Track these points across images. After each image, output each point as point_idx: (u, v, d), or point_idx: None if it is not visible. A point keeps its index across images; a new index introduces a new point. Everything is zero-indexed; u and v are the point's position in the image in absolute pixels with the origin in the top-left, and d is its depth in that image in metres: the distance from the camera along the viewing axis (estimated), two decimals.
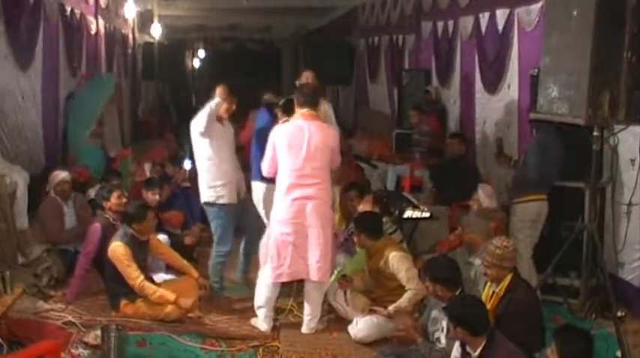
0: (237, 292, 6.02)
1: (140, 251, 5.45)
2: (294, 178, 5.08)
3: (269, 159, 5.22)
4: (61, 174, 6.56)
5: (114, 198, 5.85)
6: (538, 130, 5.80)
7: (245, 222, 6.03)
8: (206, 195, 5.79)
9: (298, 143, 5.08)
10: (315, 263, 5.12)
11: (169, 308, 5.25)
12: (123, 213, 5.70)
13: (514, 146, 7.03)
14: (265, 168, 5.29)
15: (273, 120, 5.77)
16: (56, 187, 6.46)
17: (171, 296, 5.25)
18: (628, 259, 5.56)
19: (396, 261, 5.18)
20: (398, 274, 5.17)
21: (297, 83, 6.35)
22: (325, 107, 6.39)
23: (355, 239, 5.45)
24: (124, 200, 5.90)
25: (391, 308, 5.09)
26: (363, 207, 6.21)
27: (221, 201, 5.75)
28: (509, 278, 4.40)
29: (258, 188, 5.84)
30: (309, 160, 5.07)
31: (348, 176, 8.21)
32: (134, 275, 5.26)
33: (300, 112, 5.20)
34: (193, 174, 8.10)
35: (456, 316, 3.91)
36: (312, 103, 5.23)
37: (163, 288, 5.34)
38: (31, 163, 7.66)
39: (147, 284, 5.30)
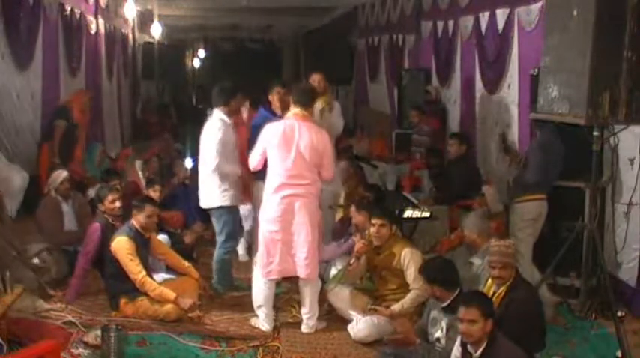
0: (237, 292, 6.01)
1: (143, 248, 5.46)
2: (283, 178, 5.11)
3: (259, 154, 5.24)
4: (63, 174, 6.55)
5: (108, 202, 5.78)
6: (539, 130, 5.80)
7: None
8: (213, 200, 5.76)
9: (288, 143, 5.10)
10: (303, 260, 5.15)
11: (169, 307, 5.25)
12: (121, 216, 5.70)
13: (514, 146, 7.02)
14: (253, 162, 5.31)
15: (271, 119, 5.79)
16: (59, 186, 6.45)
17: (171, 294, 5.25)
18: (625, 259, 5.56)
19: (410, 257, 5.19)
20: (407, 270, 5.17)
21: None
22: (333, 106, 6.43)
23: (375, 230, 5.37)
24: (118, 204, 5.78)
25: (393, 308, 5.10)
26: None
27: (227, 203, 5.76)
28: (511, 278, 4.40)
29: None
30: (298, 161, 5.09)
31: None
32: (136, 270, 5.26)
33: (293, 112, 5.22)
34: (194, 172, 8.13)
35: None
36: (304, 103, 5.24)
37: (164, 287, 5.34)
38: (30, 164, 7.66)
39: (148, 280, 5.30)
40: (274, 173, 5.16)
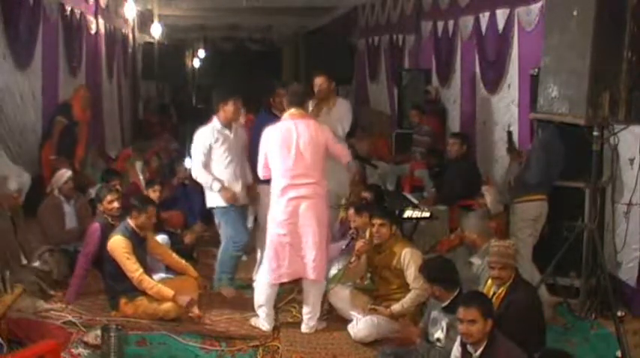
0: (237, 292, 6.01)
1: (140, 247, 5.45)
2: (287, 178, 5.12)
3: (262, 161, 5.27)
4: (67, 173, 6.56)
5: (106, 202, 5.80)
6: (542, 130, 5.79)
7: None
8: (214, 199, 5.80)
9: (287, 143, 5.12)
10: (311, 261, 5.15)
11: (168, 305, 5.24)
12: (121, 216, 5.71)
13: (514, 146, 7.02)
14: (260, 171, 5.35)
15: (273, 121, 5.80)
16: (63, 186, 6.45)
17: (169, 292, 5.25)
18: (626, 259, 5.55)
19: (410, 257, 5.19)
20: (407, 270, 5.17)
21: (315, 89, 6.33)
22: (342, 106, 6.39)
23: (375, 229, 5.39)
24: (116, 204, 5.80)
25: (393, 307, 5.10)
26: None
27: (223, 204, 5.78)
28: (511, 279, 4.40)
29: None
30: (299, 159, 5.10)
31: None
32: (133, 268, 5.26)
33: (289, 113, 5.26)
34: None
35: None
36: (298, 103, 5.28)
37: (163, 285, 5.33)
38: (34, 164, 7.65)
39: (146, 277, 5.29)
40: (278, 175, 5.16)
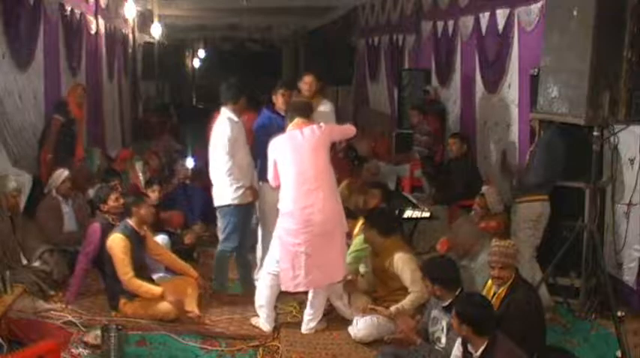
0: (237, 291, 6.01)
1: (139, 247, 5.45)
2: (297, 186, 5.08)
3: (273, 172, 5.24)
4: (64, 173, 6.56)
5: (112, 201, 5.79)
6: (544, 130, 5.79)
7: (245, 226, 6.00)
8: (227, 197, 5.76)
9: (295, 152, 5.11)
10: (333, 268, 5.14)
11: (168, 306, 5.25)
12: (122, 213, 5.71)
13: (514, 146, 7.02)
14: (272, 181, 5.31)
15: (276, 119, 5.81)
16: (60, 186, 6.45)
17: (157, 290, 5.25)
18: (626, 259, 5.55)
19: (401, 263, 5.18)
20: (402, 275, 5.16)
21: (299, 85, 6.33)
22: (326, 108, 6.38)
23: (365, 234, 5.42)
24: (122, 201, 5.82)
25: (393, 309, 5.09)
26: (372, 201, 6.23)
27: (237, 202, 5.75)
28: (512, 279, 4.41)
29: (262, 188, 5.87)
30: (307, 166, 5.08)
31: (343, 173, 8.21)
32: (125, 270, 5.26)
33: (294, 122, 5.25)
34: (196, 172, 8.14)
35: (464, 313, 3.87)
36: (302, 114, 5.28)
37: (162, 287, 5.34)
38: (33, 164, 7.65)
39: (134, 279, 5.28)
40: (287, 184, 5.12)
